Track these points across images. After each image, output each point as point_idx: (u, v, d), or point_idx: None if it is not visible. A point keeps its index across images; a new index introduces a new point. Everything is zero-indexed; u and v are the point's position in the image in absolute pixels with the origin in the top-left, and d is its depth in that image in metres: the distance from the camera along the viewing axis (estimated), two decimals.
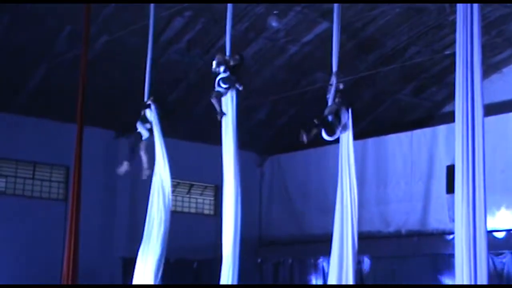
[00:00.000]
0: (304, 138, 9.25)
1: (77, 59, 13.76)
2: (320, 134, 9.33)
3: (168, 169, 11.83)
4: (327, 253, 9.58)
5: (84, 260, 12.98)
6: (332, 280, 9.19)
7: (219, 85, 10.40)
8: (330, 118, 9.36)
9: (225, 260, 10.24)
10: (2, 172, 16.72)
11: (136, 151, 12.13)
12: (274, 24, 15.32)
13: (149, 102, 12.06)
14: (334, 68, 9.61)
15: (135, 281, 11.46)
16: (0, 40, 14.95)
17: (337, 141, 9.57)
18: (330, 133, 9.32)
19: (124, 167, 12.05)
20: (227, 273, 10.18)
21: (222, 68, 10.49)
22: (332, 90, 9.50)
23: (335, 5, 9.91)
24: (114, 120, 17.37)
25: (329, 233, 9.59)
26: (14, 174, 16.86)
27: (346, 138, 9.49)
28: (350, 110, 9.51)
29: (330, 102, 9.47)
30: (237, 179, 10.40)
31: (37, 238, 16.41)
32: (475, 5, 7.98)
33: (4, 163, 16.72)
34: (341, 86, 9.54)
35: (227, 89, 10.40)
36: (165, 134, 17.22)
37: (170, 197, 11.66)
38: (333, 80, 9.54)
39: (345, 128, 9.46)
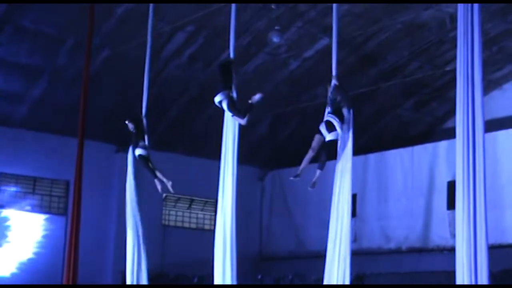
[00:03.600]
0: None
1: (78, 73, 13.82)
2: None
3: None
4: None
5: (84, 273, 12.95)
6: None
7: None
8: (330, 113, 9.37)
9: (220, 276, 10.13)
10: (3, 186, 16.70)
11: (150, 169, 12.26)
12: (276, 39, 15.37)
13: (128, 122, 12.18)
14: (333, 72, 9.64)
15: None
16: (1, 53, 15.01)
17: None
18: (330, 129, 9.30)
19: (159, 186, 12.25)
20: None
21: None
22: (330, 93, 9.52)
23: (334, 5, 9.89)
24: (115, 134, 17.40)
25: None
26: (14, 188, 16.85)
27: (347, 151, 9.45)
28: (351, 110, 9.47)
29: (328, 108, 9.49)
30: (235, 195, 10.31)
31: (38, 251, 16.40)
32: (476, 21, 8.01)
33: (4, 177, 16.71)
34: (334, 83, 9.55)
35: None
36: (165, 148, 17.38)
37: None
38: (332, 83, 9.57)
39: (347, 125, 9.41)
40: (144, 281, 11.88)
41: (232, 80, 10.49)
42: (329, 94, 9.58)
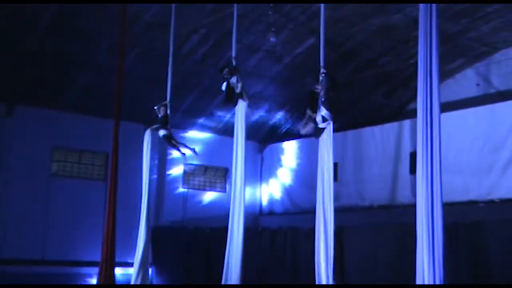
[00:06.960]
0: (302, 129, 9.31)
1: (114, 67, 13.76)
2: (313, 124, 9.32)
3: None
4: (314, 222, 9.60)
5: (122, 228, 13.03)
6: (318, 244, 9.18)
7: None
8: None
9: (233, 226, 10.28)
10: (55, 158, 16.77)
11: (173, 144, 12.29)
12: (272, 39, 15.32)
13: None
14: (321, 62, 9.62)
15: None
16: (53, 51, 14.96)
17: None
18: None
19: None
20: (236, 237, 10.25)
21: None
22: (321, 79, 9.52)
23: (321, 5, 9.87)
24: (143, 116, 17.43)
25: (315, 206, 9.61)
26: (64, 159, 16.90)
27: (329, 128, 9.48)
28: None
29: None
30: (243, 164, 10.44)
31: (82, 210, 16.50)
32: (434, 23, 8.00)
33: (56, 150, 16.77)
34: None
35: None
36: (184, 128, 17.42)
37: None
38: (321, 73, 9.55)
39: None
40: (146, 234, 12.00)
41: (227, 77, 10.61)
42: (320, 81, 9.54)
